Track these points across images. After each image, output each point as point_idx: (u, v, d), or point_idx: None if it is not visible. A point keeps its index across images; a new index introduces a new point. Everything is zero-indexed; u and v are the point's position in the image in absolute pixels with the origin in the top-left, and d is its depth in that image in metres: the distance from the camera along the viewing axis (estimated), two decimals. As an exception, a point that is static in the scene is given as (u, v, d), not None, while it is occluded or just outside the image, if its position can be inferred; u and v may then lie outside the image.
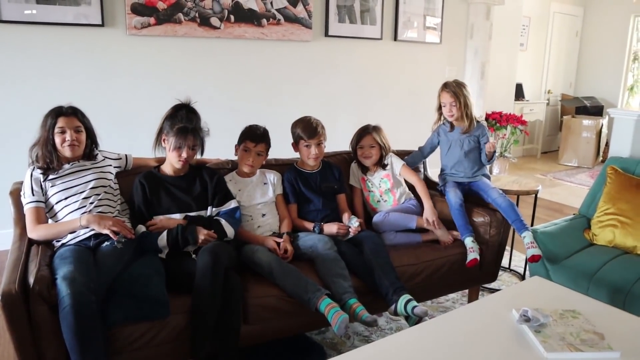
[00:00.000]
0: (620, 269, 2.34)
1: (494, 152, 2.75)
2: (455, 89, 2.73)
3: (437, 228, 2.60)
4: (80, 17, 3.53)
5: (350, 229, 2.45)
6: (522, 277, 3.26)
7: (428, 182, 3.12)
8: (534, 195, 3.15)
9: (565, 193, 5.56)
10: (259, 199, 2.50)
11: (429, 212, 2.63)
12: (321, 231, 2.46)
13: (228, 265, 2.03)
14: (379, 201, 2.82)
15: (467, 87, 2.78)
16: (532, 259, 2.49)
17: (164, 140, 2.25)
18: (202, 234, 2.11)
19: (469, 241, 2.56)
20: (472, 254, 2.52)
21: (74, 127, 2.15)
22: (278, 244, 2.31)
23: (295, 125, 2.64)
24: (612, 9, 7.54)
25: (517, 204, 3.26)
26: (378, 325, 2.06)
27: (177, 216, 2.24)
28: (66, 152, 2.14)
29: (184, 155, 2.21)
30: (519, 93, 7.12)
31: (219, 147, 2.49)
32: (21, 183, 2.18)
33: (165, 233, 2.11)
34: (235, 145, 2.52)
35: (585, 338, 1.62)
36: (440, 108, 2.83)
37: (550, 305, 1.81)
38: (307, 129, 2.58)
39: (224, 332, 1.97)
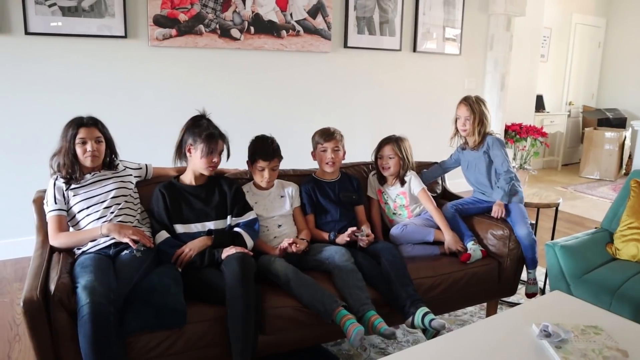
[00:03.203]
0: (644, 285, 2.29)
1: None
2: (473, 104, 2.72)
3: (462, 252, 2.59)
4: (104, 29, 3.60)
5: (359, 237, 2.45)
6: (542, 292, 3.21)
7: (446, 193, 3.11)
8: (554, 208, 3.10)
9: (586, 206, 5.47)
10: (276, 211, 2.50)
11: (451, 243, 2.60)
12: (335, 240, 2.46)
13: (254, 273, 2.04)
14: (394, 214, 2.80)
15: (486, 105, 2.76)
16: (530, 297, 2.75)
17: (189, 150, 2.26)
18: (226, 253, 2.13)
19: (470, 244, 2.59)
20: (470, 251, 2.56)
21: (95, 138, 2.19)
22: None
23: (314, 134, 2.66)
24: (636, 19, 7.43)
25: (537, 217, 3.23)
26: (396, 338, 2.04)
27: (198, 226, 2.26)
28: (87, 162, 2.18)
29: (216, 160, 2.26)
30: (540, 104, 7.05)
31: (238, 157, 2.50)
32: (44, 191, 2.23)
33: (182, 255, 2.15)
34: (247, 161, 2.52)
35: (608, 355, 1.59)
36: (456, 121, 2.81)
37: (572, 321, 1.78)
38: (324, 133, 2.61)
39: None
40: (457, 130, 2.84)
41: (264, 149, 2.43)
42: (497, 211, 2.68)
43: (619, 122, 7.41)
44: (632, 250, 2.54)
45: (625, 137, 6.81)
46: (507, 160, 2.73)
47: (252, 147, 2.48)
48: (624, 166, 6.92)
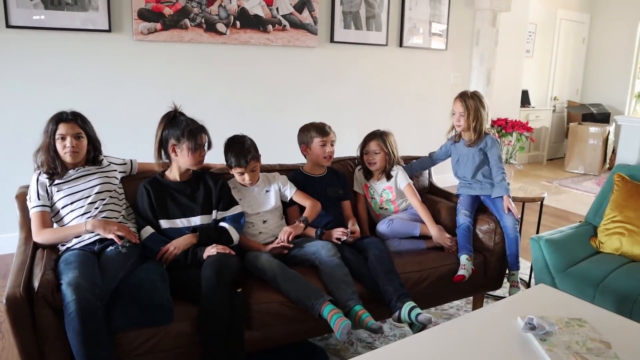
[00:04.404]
0: (627, 277, 2.32)
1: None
2: (467, 100, 2.70)
3: (451, 246, 2.59)
4: (88, 23, 3.56)
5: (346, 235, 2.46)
6: (528, 285, 3.24)
7: (433, 189, 3.12)
8: (539, 202, 3.13)
9: (571, 200, 5.53)
10: (261, 208, 2.48)
11: (437, 237, 2.61)
12: (321, 236, 2.46)
13: (232, 276, 2.03)
14: (380, 208, 2.81)
15: (483, 101, 2.72)
16: None
17: (173, 150, 2.23)
18: (207, 253, 2.12)
19: (463, 258, 2.53)
20: (462, 271, 2.48)
21: (75, 134, 2.15)
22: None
23: (306, 128, 2.63)
24: (619, 15, 7.51)
25: (523, 211, 3.26)
26: (383, 332, 2.05)
27: (184, 221, 2.25)
28: (67, 158, 2.15)
29: (204, 154, 2.25)
30: (525, 100, 7.10)
31: (223, 152, 2.49)
32: (27, 187, 2.20)
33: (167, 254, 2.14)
34: (226, 165, 2.46)
35: (591, 347, 1.61)
36: (452, 116, 2.81)
37: (556, 314, 1.80)
38: (321, 129, 2.60)
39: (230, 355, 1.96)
40: (453, 125, 2.83)
41: (238, 155, 2.37)
42: (510, 206, 2.64)
43: (603, 117, 7.50)
44: (616, 243, 2.57)
45: (609, 132, 6.89)
46: (502, 158, 2.76)
47: (226, 153, 2.42)
48: (607, 161, 7.01)
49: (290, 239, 2.32)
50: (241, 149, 2.37)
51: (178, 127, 2.21)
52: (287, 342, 2.28)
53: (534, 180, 6.43)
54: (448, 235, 2.62)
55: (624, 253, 2.54)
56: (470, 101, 2.70)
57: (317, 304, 2.02)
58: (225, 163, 2.53)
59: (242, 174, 2.41)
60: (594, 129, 6.87)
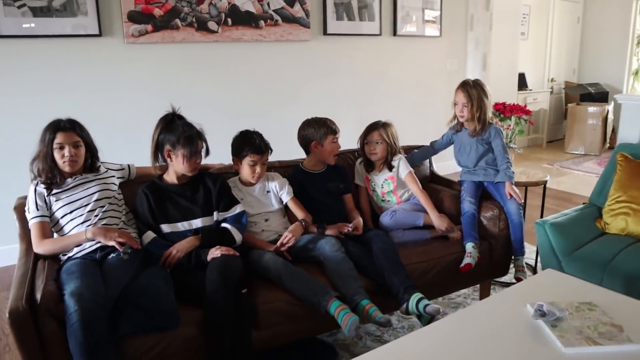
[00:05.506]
0: (634, 258, 2.30)
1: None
2: (470, 90, 2.66)
3: (452, 232, 2.58)
4: (78, 28, 3.52)
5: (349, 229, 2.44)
6: (534, 270, 3.22)
7: (434, 177, 3.10)
8: (542, 185, 3.10)
9: (573, 182, 5.50)
10: (262, 208, 2.45)
11: (437, 222, 2.58)
12: (324, 232, 2.43)
13: (237, 278, 2.01)
14: (383, 200, 2.79)
15: (486, 89, 2.68)
16: (518, 280, 2.60)
17: (168, 155, 2.21)
18: (211, 255, 2.10)
19: (469, 246, 2.50)
20: (468, 259, 2.46)
21: (73, 142, 2.12)
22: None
23: (317, 124, 2.57)
24: (613, -7, 7.46)
25: (526, 195, 3.23)
26: (392, 325, 2.03)
27: (185, 225, 2.23)
28: (66, 168, 2.12)
29: (199, 161, 2.23)
30: (522, 83, 7.06)
31: (221, 151, 2.45)
32: (25, 198, 2.17)
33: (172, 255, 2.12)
34: (234, 158, 2.44)
35: (603, 331, 1.59)
36: (455, 106, 2.76)
37: (566, 298, 1.78)
38: (332, 124, 2.58)
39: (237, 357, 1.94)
40: (455, 114, 2.79)
41: (254, 143, 2.36)
42: (512, 192, 2.61)
43: (601, 97, 7.45)
44: (621, 223, 2.55)
45: (607, 111, 6.85)
46: (506, 148, 2.73)
47: (240, 143, 2.39)
48: (607, 140, 6.98)
49: (290, 243, 2.29)
50: (258, 138, 2.39)
51: (174, 132, 2.18)
52: (295, 340, 2.26)
53: (534, 163, 6.41)
54: (448, 220, 2.60)
55: (630, 233, 2.52)
56: (473, 91, 2.65)
57: (323, 301, 2.00)
58: (224, 163, 2.50)
59: (255, 164, 2.37)
60: (592, 108, 6.83)
